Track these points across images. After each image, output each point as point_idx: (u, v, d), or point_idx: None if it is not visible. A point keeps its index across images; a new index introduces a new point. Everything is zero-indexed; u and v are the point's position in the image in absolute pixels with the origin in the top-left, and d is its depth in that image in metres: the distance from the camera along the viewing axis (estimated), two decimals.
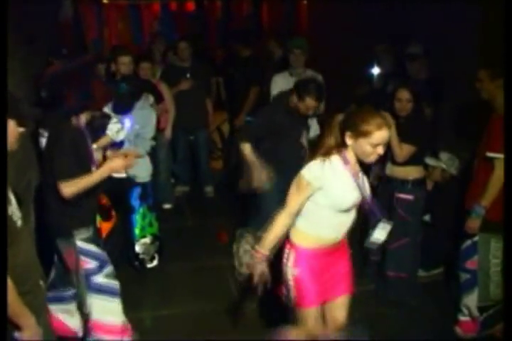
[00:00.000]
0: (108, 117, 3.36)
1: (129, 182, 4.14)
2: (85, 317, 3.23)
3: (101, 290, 3.13)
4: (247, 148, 3.94)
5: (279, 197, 3.42)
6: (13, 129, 2.25)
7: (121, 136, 3.41)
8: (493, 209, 3.17)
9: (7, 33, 2.33)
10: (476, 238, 3.35)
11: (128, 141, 4.00)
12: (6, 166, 2.14)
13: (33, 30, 4.53)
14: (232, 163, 5.89)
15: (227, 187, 5.99)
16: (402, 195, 3.79)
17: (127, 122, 3.87)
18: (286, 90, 4.22)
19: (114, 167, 2.99)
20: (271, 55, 6.08)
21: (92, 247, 3.10)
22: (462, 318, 3.52)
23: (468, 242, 3.43)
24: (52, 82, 2.93)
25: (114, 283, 3.20)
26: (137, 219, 4.31)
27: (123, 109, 3.89)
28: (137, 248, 4.37)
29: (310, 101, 3.90)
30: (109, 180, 3.13)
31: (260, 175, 3.91)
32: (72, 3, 6.96)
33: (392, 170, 3.84)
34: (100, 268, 3.11)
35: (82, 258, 3.07)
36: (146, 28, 10.82)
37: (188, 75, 5.71)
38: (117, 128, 3.35)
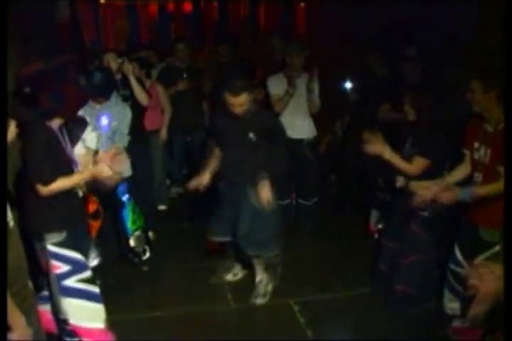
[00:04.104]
0: (84, 121, 3.35)
1: None
2: (62, 320, 3.18)
3: (74, 294, 3.06)
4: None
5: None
6: (13, 129, 2.28)
7: (101, 143, 3.43)
8: None
9: (7, 35, 2.33)
10: (497, 248, 3.20)
11: (107, 138, 3.99)
12: (5, 166, 2.14)
13: (29, 30, 4.51)
14: None
15: None
16: (418, 211, 3.59)
17: (104, 120, 3.87)
18: None
19: (96, 173, 3.06)
20: (272, 54, 6.00)
21: (64, 251, 3.02)
22: (459, 324, 3.44)
23: (488, 254, 3.27)
24: (27, 83, 2.91)
25: (91, 288, 3.12)
26: (128, 213, 4.30)
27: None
28: (132, 242, 4.37)
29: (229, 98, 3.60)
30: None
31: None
32: (69, 4, 6.93)
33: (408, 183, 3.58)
34: (73, 273, 3.04)
35: (53, 262, 3.02)
36: (143, 28, 10.82)
37: (185, 76, 5.72)
38: (96, 138, 3.38)
